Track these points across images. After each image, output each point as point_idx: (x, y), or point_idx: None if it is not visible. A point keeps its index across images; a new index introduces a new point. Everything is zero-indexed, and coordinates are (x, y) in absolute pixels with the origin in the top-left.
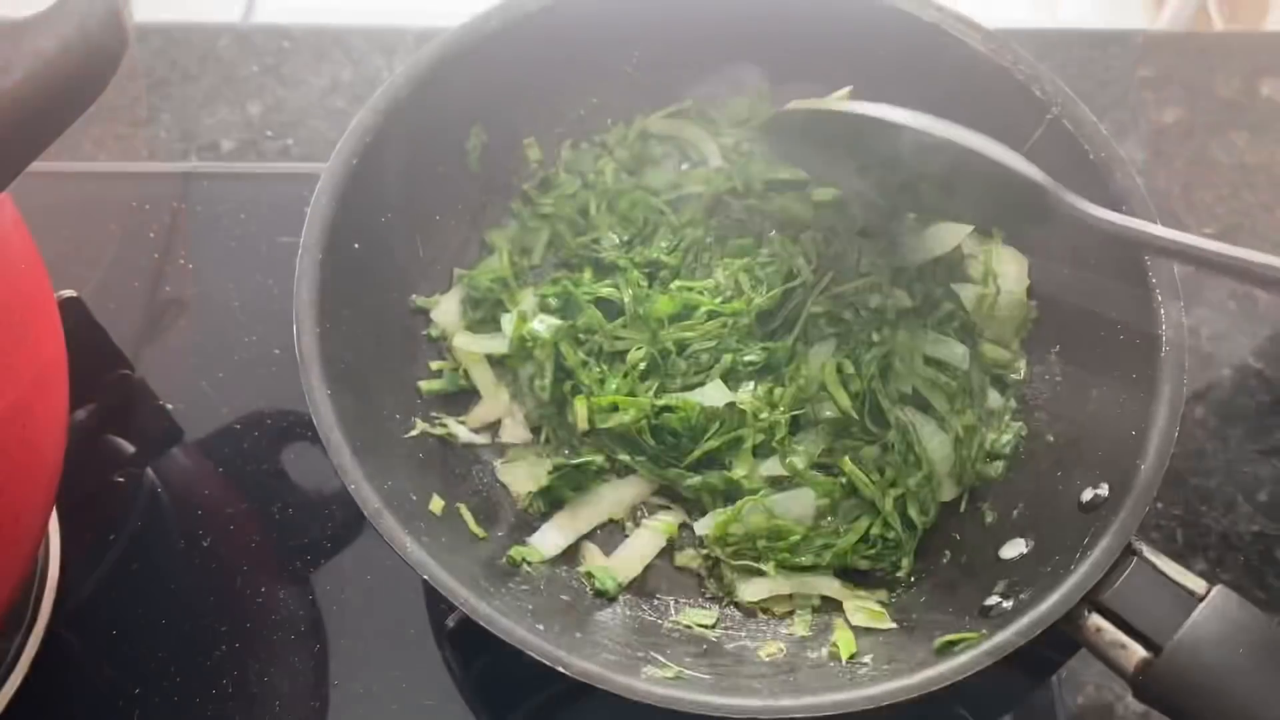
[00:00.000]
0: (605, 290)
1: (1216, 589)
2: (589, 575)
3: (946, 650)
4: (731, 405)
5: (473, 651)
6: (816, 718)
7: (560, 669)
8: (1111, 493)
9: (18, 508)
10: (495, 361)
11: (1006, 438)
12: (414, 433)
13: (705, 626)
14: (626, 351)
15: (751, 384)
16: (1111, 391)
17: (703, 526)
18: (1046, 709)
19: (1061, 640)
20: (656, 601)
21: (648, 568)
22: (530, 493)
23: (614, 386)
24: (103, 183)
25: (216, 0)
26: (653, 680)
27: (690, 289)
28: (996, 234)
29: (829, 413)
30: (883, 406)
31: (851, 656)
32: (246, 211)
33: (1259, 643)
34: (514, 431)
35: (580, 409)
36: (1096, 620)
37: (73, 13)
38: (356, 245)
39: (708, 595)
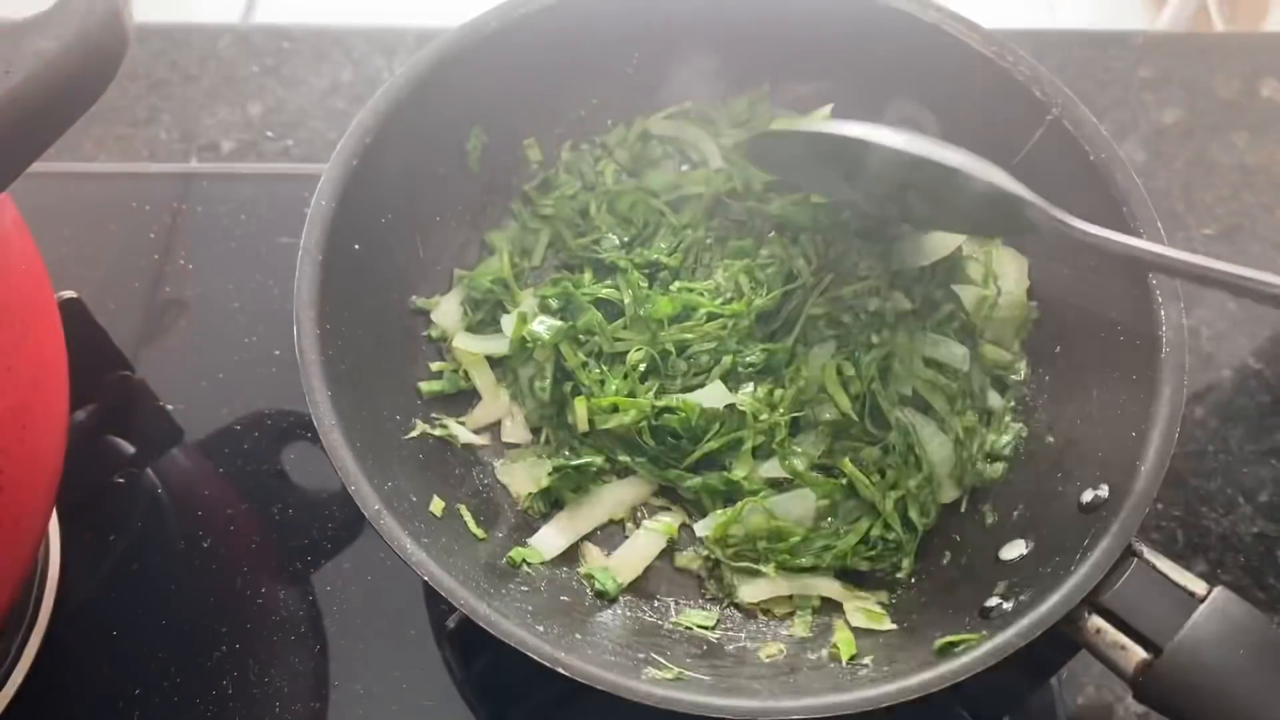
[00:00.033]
0: (605, 291)
1: (1217, 590)
2: (589, 576)
3: (947, 651)
4: (731, 406)
5: (473, 652)
6: (817, 719)
7: (560, 670)
8: (1112, 494)
9: (18, 508)
10: (495, 362)
11: (1007, 439)
12: (414, 433)
13: (705, 628)
14: (626, 352)
15: (751, 385)
16: (1112, 393)
17: (703, 528)
18: (1047, 710)
19: (1062, 641)
20: (657, 602)
21: (648, 569)
22: (530, 494)
23: (614, 387)
24: (103, 183)
25: (217, 1)
26: (653, 681)
27: (690, 290)
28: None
29: (829, 414)
30: (883, 408)
31: (852, 658)
32: (247, 212)
33: (1259, 644)
34: (514, 432)
35: (580, 410)
36: (1097, 621)
37: (73, 14)
38: (357, 246)
39: (708, 596)
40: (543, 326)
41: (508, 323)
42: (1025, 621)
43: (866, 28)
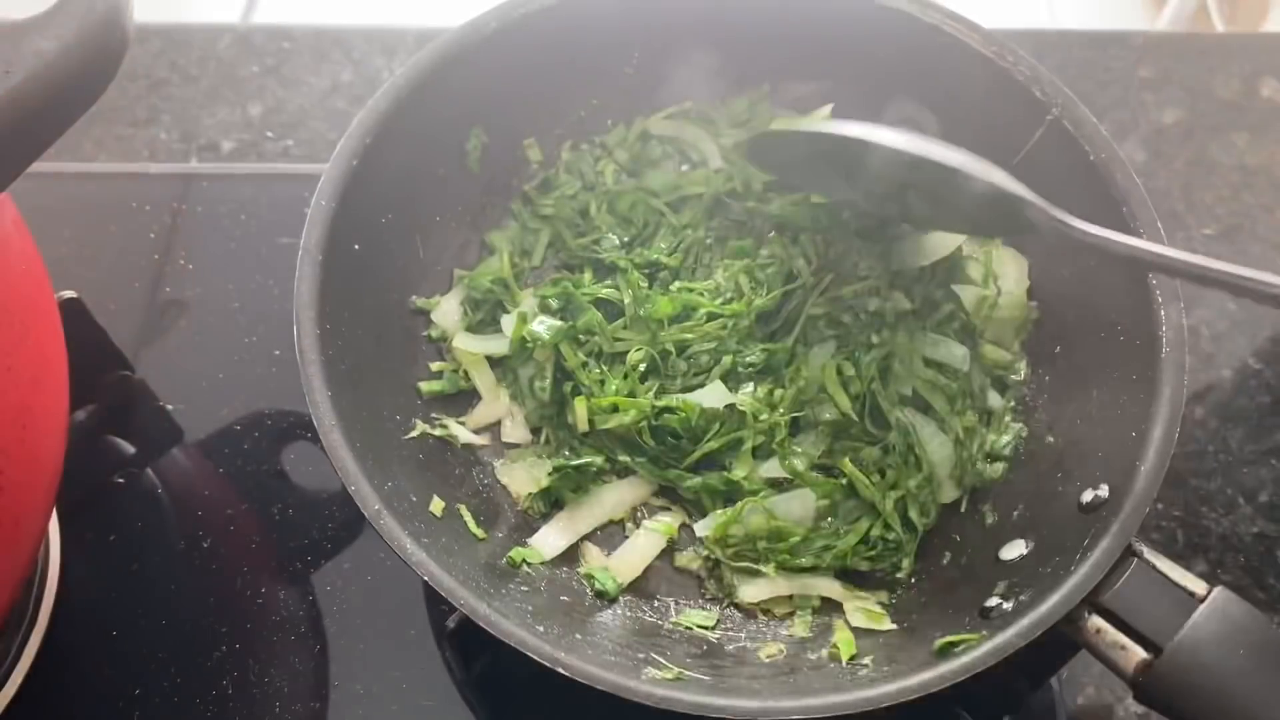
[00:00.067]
0: (605, 291)
1: (1217, 590)
2: (589, 576)
3: (946, 651)
4: (731, 406)
5: (473, 652)
6: (816, 719)
7: (560, 670)
8: (1112, 494)
9: (18, 508)
10: (495, 362)
11: (1007, 439)
12: (414, 434)
13: (705, 628)
14: (626, 352)
15: (751, 385)
16: (1112, 393)
17: (703, 527)
18: (1047, 710)
19: (1062, 641)
20: (656, 603)
21: (648, 569)
22: (530, 494)
23: (614, 387)
24: (103, 183)
25: (217, 1)
26: (653, 681)
27: (690, 290)
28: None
29: (829, 414)
30: (883, 408)
31: (852, 658)
32: (247, 212)
33: (1259, 644)
34: (514, 432)
35: (580, 410)
36: (1097, 621)
37: (73, 14)
38: (357, 246)
39: (708, 596)
40: (543, 326)
41: (508, 323)
42: (1025, 621)
43: (867, 28)
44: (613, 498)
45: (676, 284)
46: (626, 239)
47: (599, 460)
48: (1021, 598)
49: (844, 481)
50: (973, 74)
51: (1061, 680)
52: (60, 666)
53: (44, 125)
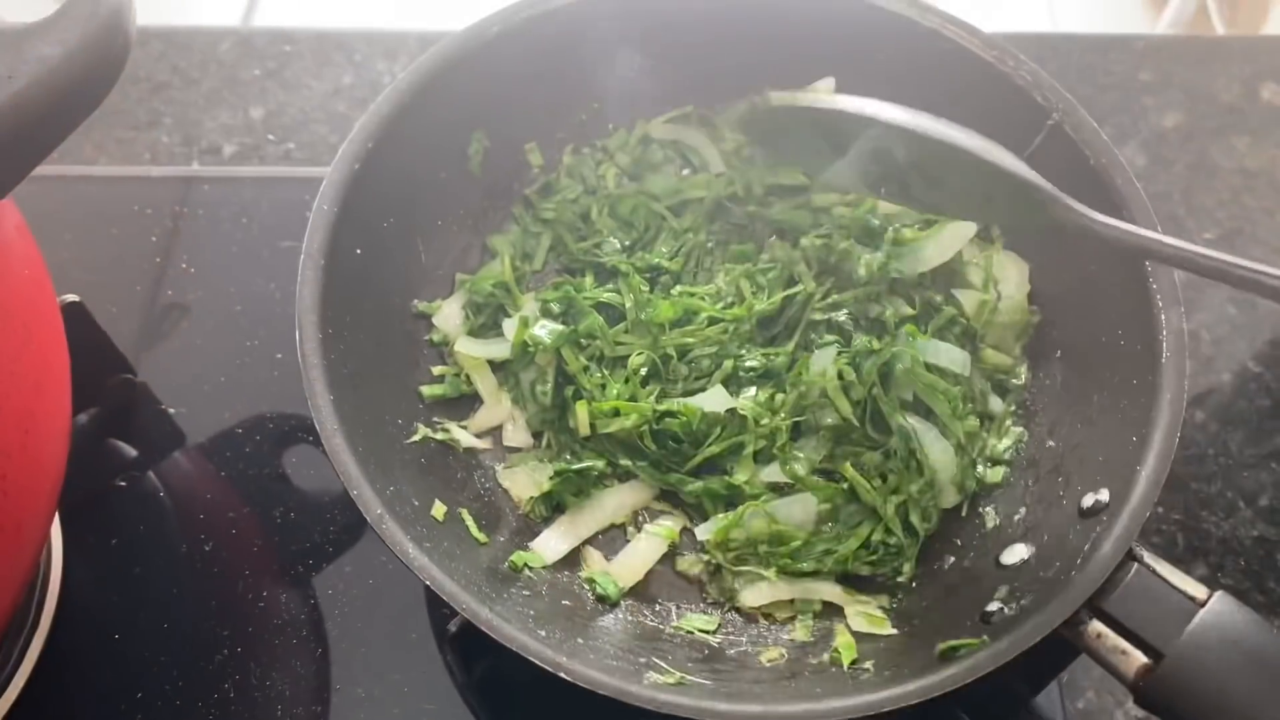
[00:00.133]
0: (607, 295)
1: (1217, 594)
2: (590, 580)
3: (948, 656)
4: (733, 411)
5: (474, 656)
6: None
7: (562, 675)
8: (1112, 498)
9: (21, 512)
10: (497, 366)
11: (1007, 443)
12: (416, 438)
13: (706, 632)
14: (628, 357)
15: (753, 389)
16: (1112, 397)
17: (704, 531)
18: (1047, 714)
19: (1062, 646)
20: (658, 607)
21: (649, 573)
22: (532, 498)
23: (615, 391)
24: (104, 187)
25: (218, 4)
26: (654, 686)
27: (691, 294)
28: (997, 239)
29: (830, 419)
30: (884, 413)
31: (853, 662)
32: (248, 216)
33: (1260, 648)
34: (515, 436)
35: (581, 414)
36: (1097, 626)
37: (76, 20)
38: (358, 250)
39: (709, 600)
40: (544, 330)
41: (509, 327)
42: (1026, 626)
43: (867, 32)
44: (614, 502)
45: (678, 288)
46: (628, 243)
47: (600, 464)
48: (1022, 602)
49: (845, 486)
50: (973, 79)
51: (1062, 684)
52: (62, 669)
53: (47, 130)
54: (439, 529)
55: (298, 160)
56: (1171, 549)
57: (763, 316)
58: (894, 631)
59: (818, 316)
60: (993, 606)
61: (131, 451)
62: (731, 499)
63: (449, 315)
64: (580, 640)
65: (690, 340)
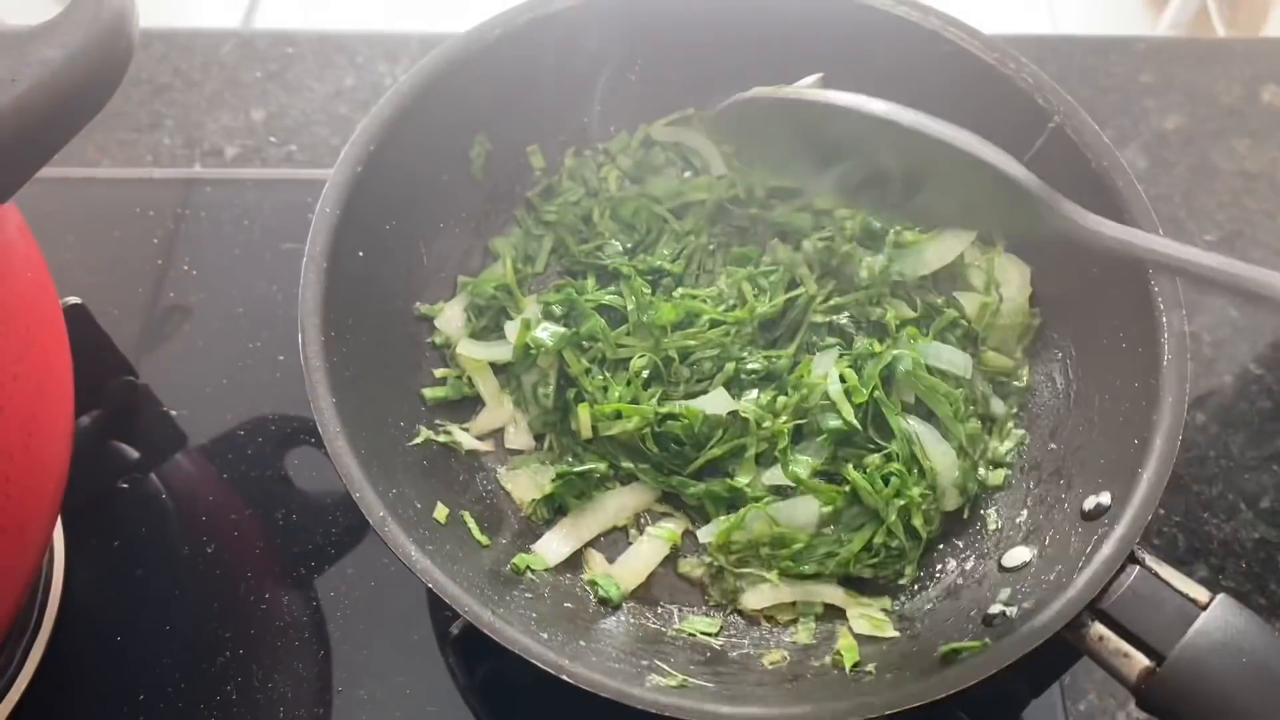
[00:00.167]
0: (608, 298)
1: (1219, 597)
2: (592, 583)
3: (950, 658)
4: (734, 413)
5: (476, 658)
6: None
7: (564, 677)
8: (1114, 501)
9: (23, 514)
10: (499, 369)
11: (1009, 445)
12: (418, 440)
13: (709, 634)
14: (630, 359)
15: (754, 392)
16: (1114, 399)
17: (706, 534)
18: (1049, 716)
19: (1064, 649)
20: (660, 609)
21: (651, 575)
22: (534, 500)
23: (617, 394)
24: (107, 189)
25: (219, 6)
26: (656, 689)
27: (693, 297)
28: (998, 242)
29: (832, 422)
30: (885, 415)
31: (855, 664)
32: (250, 218)
33: (1261, 651)
34: (517, 439)
35: (583, 416)
36: (1099, 629)
37: (79, 22)
38: (361, 253)
39: (711, 603)
40: (546, 333)
41: (511, 329)
42: (1028, 629)
43: (867, 34)
44: (616, 504)
45: (679, 290)
46: (629, 245)
47: (602, 467)
48: (1024, 605)
49: (847, 489)
50: (974, 81)
51: (1064, 687)
52: (64, 671)
53: (50, 133)
54: (441, 531)
55: (299, 162)
56: (1173, 550)
57: (764, 319)
58: (896, 634)
59: (819, 319)
60: (994, 609)
61: (133, 453)
62: (733, 501)
63: (451, 318)
64: (582, 643)
65: (692, 343)
